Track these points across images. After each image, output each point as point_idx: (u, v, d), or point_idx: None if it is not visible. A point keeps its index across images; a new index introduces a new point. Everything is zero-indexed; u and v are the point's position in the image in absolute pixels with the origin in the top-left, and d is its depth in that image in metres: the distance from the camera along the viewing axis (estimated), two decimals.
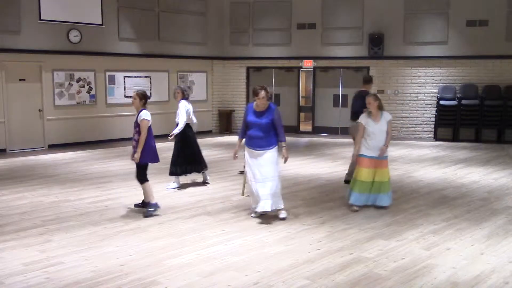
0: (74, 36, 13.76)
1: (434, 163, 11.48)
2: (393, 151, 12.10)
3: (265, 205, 6.69)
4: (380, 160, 7.32)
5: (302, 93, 18.29)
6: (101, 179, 9.55)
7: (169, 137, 8.62)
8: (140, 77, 15.45)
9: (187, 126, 8.64)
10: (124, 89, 15.08)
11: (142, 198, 7.36)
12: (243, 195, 8.21)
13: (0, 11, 12.47)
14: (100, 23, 14.31)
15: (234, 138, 15.82)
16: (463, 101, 15.19)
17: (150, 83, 15.68)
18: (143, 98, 7.07)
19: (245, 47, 17.44)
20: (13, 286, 4.68)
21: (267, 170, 6.71)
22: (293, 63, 17.13)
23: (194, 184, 9.12)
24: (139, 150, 6.88)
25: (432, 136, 15.99)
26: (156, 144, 7.21)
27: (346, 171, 9.41)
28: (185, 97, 8.71)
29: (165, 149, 10.35)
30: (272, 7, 16.99)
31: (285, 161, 6.84)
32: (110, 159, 11.95)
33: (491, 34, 15.16)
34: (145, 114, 6.96)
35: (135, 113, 7.12)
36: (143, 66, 15.41)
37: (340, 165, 11.04)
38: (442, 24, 15.61)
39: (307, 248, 5.75)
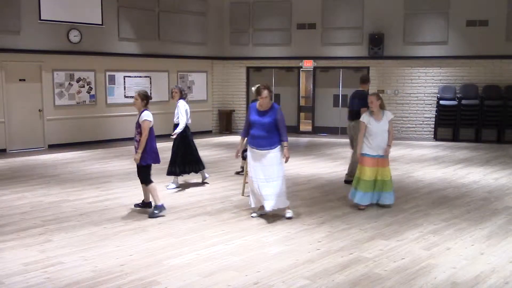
0: (74, 36, 13.76)
1: (434, 163, 11.49)
2: (393, 151, 12.03)
3: (269, 205, 6.71)
4: (382, 159, 7.35)
5: (302, 93, 18.30)
6: (101, 179, 9.55)
7: (171, 136, 8.63)
8: (140, 77, 15.45)
9: (185, 126, 8.64)
10: (124, 89, 15.09)
11: (142, 198, 7.36)
12: (243, 195, 8.21)
13: (0, 11, 12.47)
14: (100, 23, 14.32)
15: (234, 138, 15.83)
16: (463, 101, 15.19)
17: (150, 83, 15.68)
18: (145, 98, 7.02)
19: (245, 47, 17.44)
20: (13, 286, 4.68)
21: (271, 171, 6.72)
22: (293, 63, 17.13)
23: (194, 184, 9.12)
24: (140, 151, 6.85)
25: (432, 136, 15.99)
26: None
27: (346, 171, 9.42)
28: (182, 96, 8.72)
29: (166, 149, 10.34)
30: (272, 7, 16.99)
31: (286, 161, 6.85)
32: (110, 159, 11.95)
33: (491, 34, 15.16)
34: (147, 115, 6.92)
35: (135, 113, 7.11)
36: (143, 66, 15.41)
37: (340, 165, 11.05)
38: (442, 24, 15.61)
39: (307, 248, 5.75)
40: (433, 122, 15.95)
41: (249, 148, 6.89)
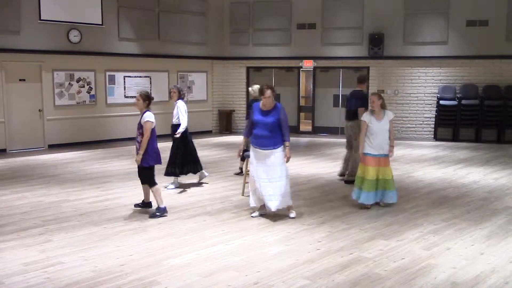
0: (74, 36, 13.76)
1: (434, 163, 11.48)
2: None
3: (273, 205, 6.71)
4: (384, 158, 7.38)
5: (302, 93, 18.30)
6: (101, 179, 9.55)
7: (175, 136, 8.61)
8: (140, 77, 15.45)
9: None
10: (124, 89, 15.08)
11: (142, 198, 7.36)
12: (243, 195, 8.21)
13: (0, 11, 12.47)
14: (100, 23, 14.31)
15: (234, 138, 15.83)
16: (463, 101, 15.19)
17: (150, 83, 15.68)
18: (146, 99, 6.99)
19: (245, 47, 17.44)
20: (13, 286, 4.68)
21: (274, 171, 6.73)
22: (293, 63, 17.13)
23: (194, 184, 9.12)
24: (141, 152, 6.82)
25: (432, 136, 15.99)
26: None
27: (346, 172, 9.42)
28: (181, 97, 8.72)
29: (166, 149, 10.33)
30: (272, 7, 16.99)
31: (287, 161, 6.85)
32: (110, 159, 11.94)
33: (491, 34, 15.16)
34: (149, 116, 6.89)
35: (135, 113, 7.11)
36: (143, 66, 15.41)
37: (340, 165, 11.02)
38: (442, 24, 15.61)
39: (307, 248, 5.75)
40: (433, 122, 15.95)
41: (252, 148, 6.89)
